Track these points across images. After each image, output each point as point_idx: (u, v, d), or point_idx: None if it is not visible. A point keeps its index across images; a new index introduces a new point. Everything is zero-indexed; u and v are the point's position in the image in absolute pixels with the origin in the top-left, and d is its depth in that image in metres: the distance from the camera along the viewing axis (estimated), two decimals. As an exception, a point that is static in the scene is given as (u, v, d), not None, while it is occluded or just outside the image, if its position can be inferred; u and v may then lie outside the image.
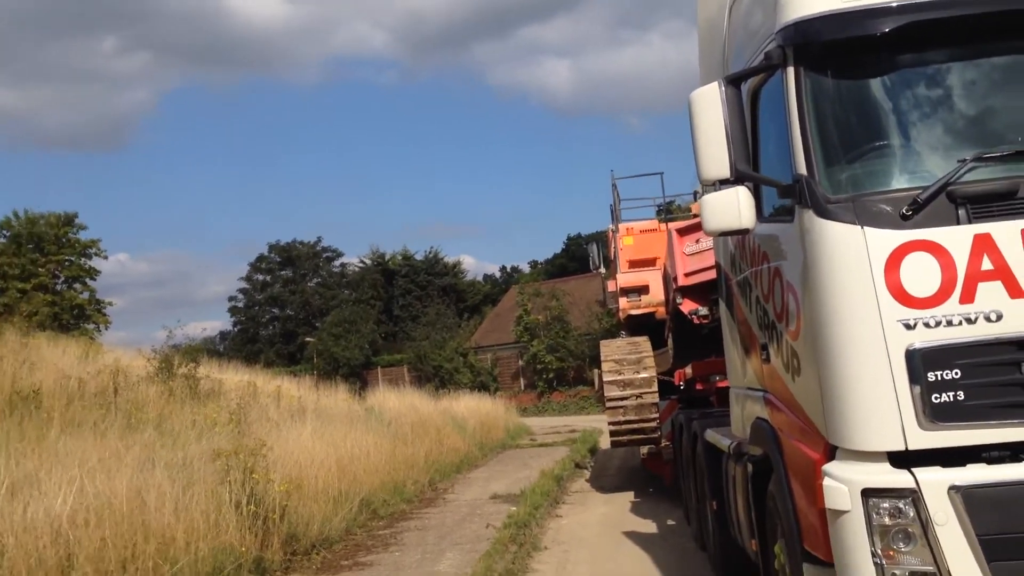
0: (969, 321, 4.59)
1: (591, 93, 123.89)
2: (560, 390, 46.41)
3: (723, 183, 5.27)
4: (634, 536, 11.91)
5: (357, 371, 53.07)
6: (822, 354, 4.87)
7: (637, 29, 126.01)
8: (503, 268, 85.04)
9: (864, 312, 4.68)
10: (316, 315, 67.20)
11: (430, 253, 66.51)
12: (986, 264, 4.59)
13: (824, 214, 4.83)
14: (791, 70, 5.11)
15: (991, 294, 4.58)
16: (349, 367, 53.44)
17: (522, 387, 48.70)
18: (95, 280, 47.56)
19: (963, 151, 4.78)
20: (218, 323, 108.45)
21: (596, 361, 42.54)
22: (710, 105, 5.23)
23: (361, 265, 67.73)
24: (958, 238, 4.63)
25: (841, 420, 4.78)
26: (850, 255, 4.73)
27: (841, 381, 4.77)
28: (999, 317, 4.56)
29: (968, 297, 4.59)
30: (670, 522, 12.50)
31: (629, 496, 15.46)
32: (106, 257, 49.08)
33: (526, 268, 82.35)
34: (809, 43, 5.05)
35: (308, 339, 58.43)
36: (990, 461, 4.60)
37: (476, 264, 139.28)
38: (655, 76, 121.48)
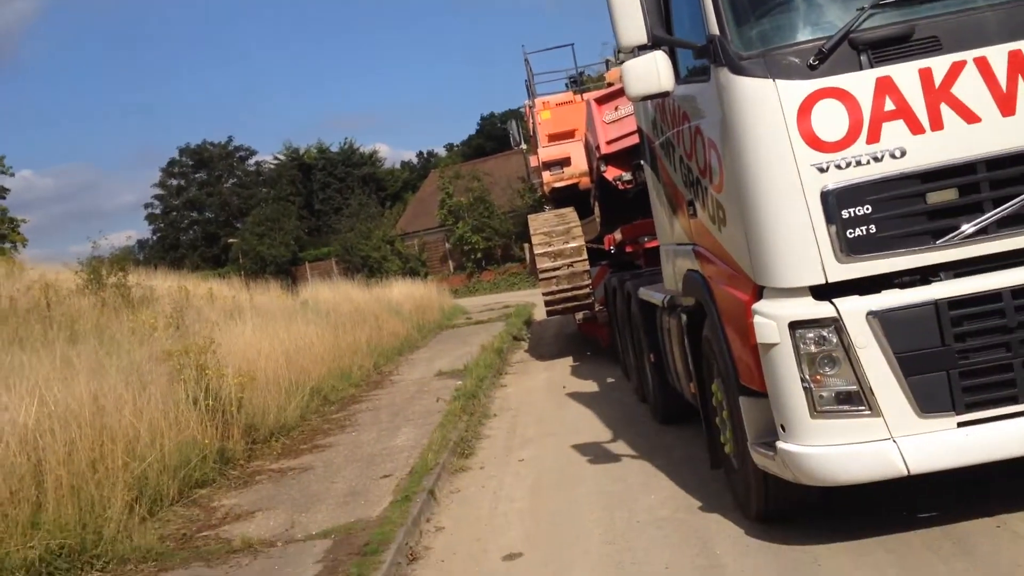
0: (876, 160, 4.97)
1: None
2: (489, 269, 46.92)
3: (641, 49, 5.50)
4: (577, 396, 12.50)
5: (285, 268, 52.83)
6: (745, 203, 5.24)
7: None
8: (420, 153, 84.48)
9: (780, 159, 5.04)
10: (236, 215, 66.33)
11: (345, 144, 65.67)
12: (888, 105, 4.95)
13: (738, 70, 5.12)
14: (699, -69, 5.31)
15: (895, 133, 4.95)
16: (276, 265, 53.17)
17: (452, 270, 49.07)
18: (5, 199, 46.08)
19: (862, 0, 5.08)
20: (135, 232, 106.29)
21: (524, 237, 42.95)
22: None
23: (276, 162, 66.69)
24: (862, 82, 4.97)
25: (766, 261, 5.19)
26: (764, 107, 5.05)
27: (764, 226, 5.15)
28: (903, 153, 4.95)
29: (874, 137, 4.96)
30: (609, 380, 13.11)
31: (568, 361, 16.07)
32: (12, 174, 47.45)
33: (443, 152, 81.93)
34: None
35: (231, 240, 57.82)
36: (902, 286, 5.06)
37: (391, 152, 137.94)
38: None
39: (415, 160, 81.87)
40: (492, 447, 10.21)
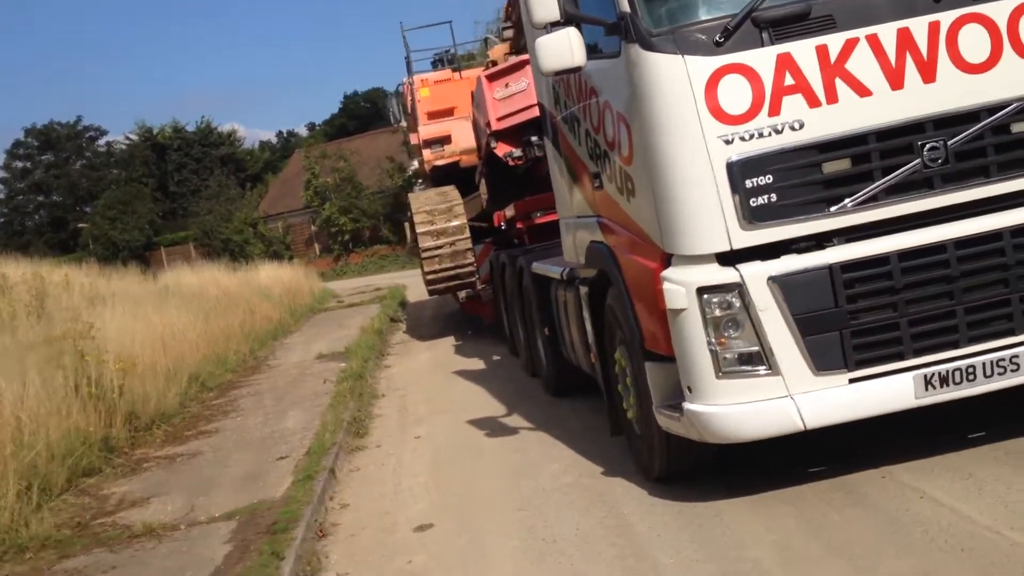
0: (777, 131, 5.23)
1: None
2: (357, 251, 46.45)
3: (553, 25, 5.62)
4: (464, 373, 12.61)
5: (139, 253, 51.00)
6: (654, 174, 5.44)
7: None
8: (279, 133, 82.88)
9: (689, 132, 5.25)
10: (86, 199, 63.60)
11: (202, 124, 63.69)
12: (788, 80, 5.22)
13: (649, 47, 5.31)
14: (603, -90, 5.46)
15: (794, 106, 5.23)
16: (130, 250, 51.28)
17: (318, 252, 48.37)
18: None
19: (764, -21, 5.32)
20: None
21: (393, 218, 42.52)
22: None
23: (128, 142, 64.14)
24: (764, 58, 5.22)
25: (675, 230, 5.40)
26: (674, 82, 5.25)
27: (673, 195, 5.36)
28: (801, 125, 5.23)
29: (775, 110, 5.22)
30: (495, 357, 13.26)
31: (450, 341, 16.16)
32: None
33: (304, 132, 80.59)
34: None
35: (81, 225, 55.46)
36: (799, 251, 5.35)
37: (248, 132, 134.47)
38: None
39: (275, 140, 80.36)
40: (385, 426, 10.23)
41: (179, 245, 51.35)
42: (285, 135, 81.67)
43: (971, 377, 5.39)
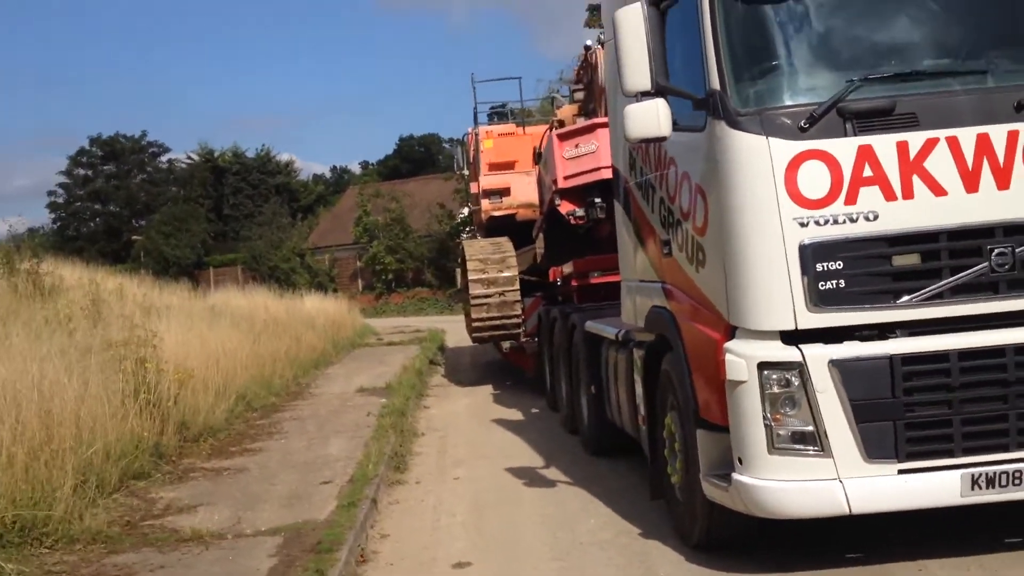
0: (851, 220, 5.43)
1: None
2: (399, 291, 46.85)
3: (643, 95, 5.88)
4: (503, 422, 12.77)
5: (188, 271, 51.74)
6: (728, 247, 5.64)
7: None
8: (334, 168, 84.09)
9: (766, 211, 5.46)
10: (142, 212, 64.80)
11: (262, 151, 64.96)
12: (867, 171, 5.43)
13: (735, 125, 5.54)
14: (706, -5, 5.72)
15: (870, 197, 5.42)
16: (180, 267, 52.10)
17: (360, 288, 48.83)
18: None
19: (852, 72, 5.58)
20: (26, 218, 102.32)
21: (438, 262, 42.91)
22: (634, 23, 5.81)
23: (189, 161, 65.46)
24: (845, 148, 5.43)
25: (742, 304, 5.59)
26: (756, 161, 5.47)
27: (744, 271, 5.55)
28: (876, 217, 5.42)
29: (851, 199, 5.42)
30: (534, 410, 13.42)
31: (488, 389, 16.33)
32: None
33: (357, 169, 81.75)
34: None
35: (136, 237, 56.49)
36: (862, 339, 5.50)
37: (303, 165, 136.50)
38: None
39: (328, 174, 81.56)
40: (425, 464, 10.40)
41: (227, 267, 52.11)
42: (339, 170, 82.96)
43: (1017, 481, 5.48)
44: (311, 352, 20.54)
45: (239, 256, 52.60)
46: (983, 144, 5.41)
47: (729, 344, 5.66)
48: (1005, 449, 5.49)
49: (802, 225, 5.42)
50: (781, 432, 5.52)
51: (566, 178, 11.17)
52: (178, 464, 9.77)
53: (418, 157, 74.85)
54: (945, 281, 5.44)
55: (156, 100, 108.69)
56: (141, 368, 9.87)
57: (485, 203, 16.52)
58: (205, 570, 6.53)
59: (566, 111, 13.38)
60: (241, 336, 17.12)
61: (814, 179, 5.42)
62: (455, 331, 25.24)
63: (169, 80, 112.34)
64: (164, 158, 68.47)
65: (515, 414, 13.39)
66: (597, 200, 10.84)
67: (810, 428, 5.49)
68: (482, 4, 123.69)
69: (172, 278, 34.24)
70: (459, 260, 18.11)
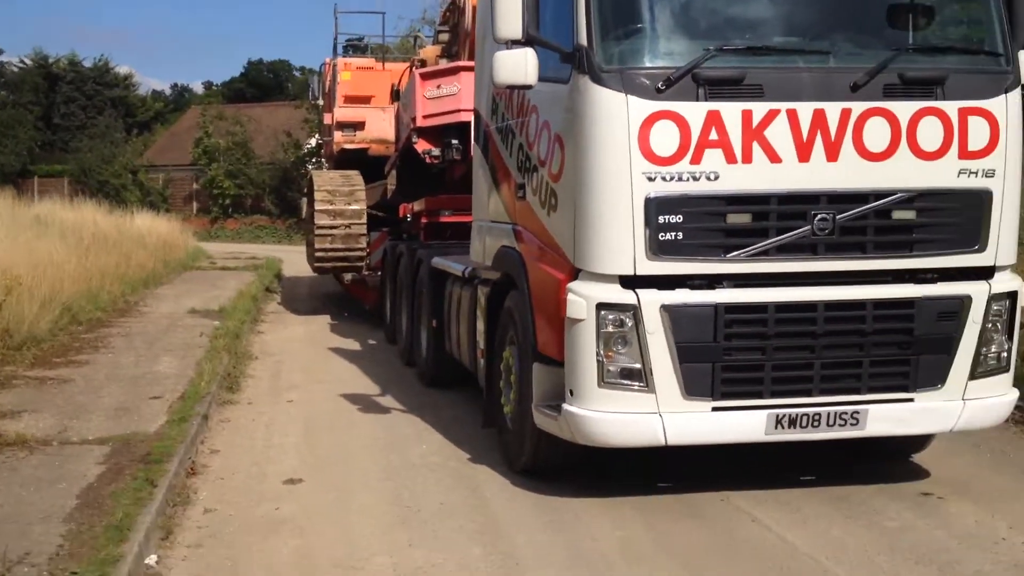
0: (695, 178, 5.82)
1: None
2: (236, 217, 45.50)
3: (514, 43, 6.08)
4: (339, 351, 12.87)
5: (11, 178, 48.82)
6: (579, 195, 5.95)
7: None
8: (174, 85, 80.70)
9: (618, 163, 5.78)
10: (-35, 114, 60.38)
11: (100, 61, 61.52)
12: (713, 135, 5.81)
13: (597, 80, 5.82)
14: (580, -45, 5.94)
15: (713, 158, 5.82)
16: (3, 174, 49.04)
17: (195, 211, 47.27)
18: None
19: (709, 41, 5.92)
20: None
21: (279, 191, 41.96)
22: None
23: (22, 66, 61.32)
24: (696, 112, 5.80)
25: (588, 248, 5.93)
26: (614, 116, 5.77)
27: (592, 217, 5.88)
28: (717, 177, 5.83)
29: (697, 159, 5.80)
30: (371, 342, 13.56)
31: (326, 319, 16.32)
32: None
33: (199, 88, 78.70)
34: None
35: (-47, 138, 52.65)
36: (692, 288, 5.94)
37: (141, 78, 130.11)
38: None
39: (168, 91, 78.23)
40: (258, 386, 10.42)
41: (54, 178, 49.35)
42: (180, 88, 79.62)
43: (816, 424, 6.10)
44: (141, 271, 19.92)
45: (67, 168, 49.80)
46: (818, 119, 5.87)
47: (572, 284, 5.99)
48: (809, 394, 6.08)
49: (650, 180, 5.78)
50: (611, 368, 5.92)
51: (425, 117, 11.26)
52: (-1, 370, 9.48)
53: (266, 83, 72.48)
54: (771, 240, 5.92)
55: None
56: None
57: (338, 135, 16.39)
58: (30, 474, 6.45)
59: (429, 52, 13.41)
60: (69, 249, 16.52)
61: (665, 138, 5.77)
62: (293, 261, 24.97)
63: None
64: (-6, 59, 63.90)
65: (352, 344, 13.50)
66: (454, 142, 10.98)
67: (637, 366, 5.91)
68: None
69: (-6, 185, 32.38)
70: (305, 190, 17.93)
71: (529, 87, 6.20)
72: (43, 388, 9.08)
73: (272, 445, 8.00)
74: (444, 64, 11.97)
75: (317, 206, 14.93)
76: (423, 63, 12.95)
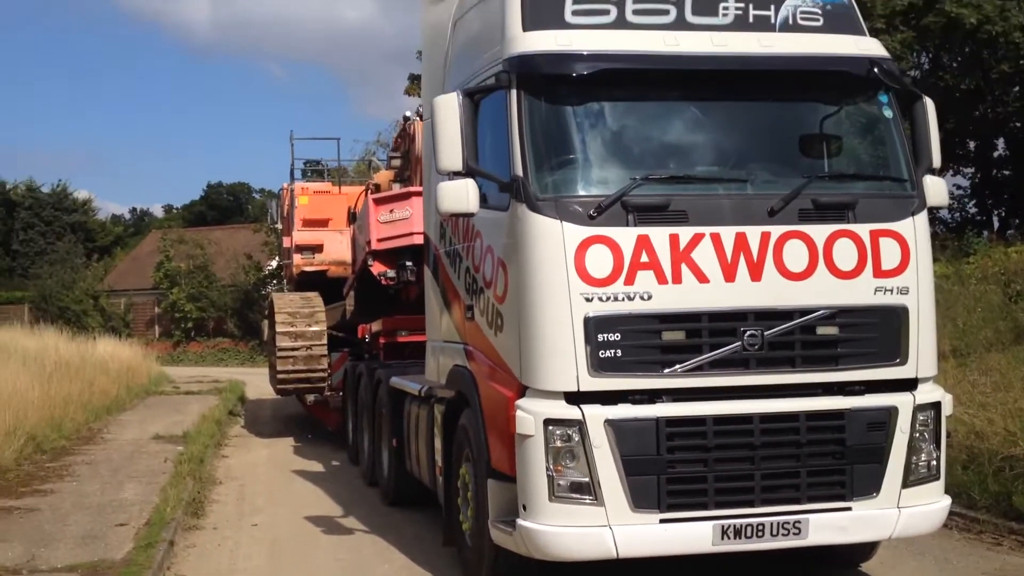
0: (629, 298, 6.22)
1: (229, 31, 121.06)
2: (199, 340, 45.52)
3: (455, 174, 6.53)
4: (303, 473, 13.01)
5: (-32, 306, 48.71)
6: (522, 316, 6.33)
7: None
8: (133, 210, 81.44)
9: (557, 286, 6.18)
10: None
11: (58, 186, 62.15)
12: (644, 257, 6.24)
13: (534, 208, 6.27)
14: (514, 92, 6.46)
15: (646, 279, 6.23)
16: (-41, 302, 48.91)
17: (157, 335, 47.24)
18: None
19: (637, 170, 6.43)
20: None
21: (241, 313, 41.98)
22: (450, 110, 6.47)
23: (-22, 193, 61.79)
24: (627, 236, 6.24)
25: (533, 366, 6.28)
26: (550, 242, 6.20)
27: (536, 337, 6.25)
28: (650, 297, 6.23)
29: (630, 280, 6.21)
30: (335, 463, 13.71)
31: (289, 441, 16.44)
32: None
33: (159, 212, 79.41)
34: (529, 73, 6.45)
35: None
36: (634, 402, 6.27)
37: (100, 203, 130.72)
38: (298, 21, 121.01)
39: (128, 215, 78.84)
40: (223, 511, 10.54)
41: (13, 305, 49.26)
42: (139, 212, 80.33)
43: (760, 534, 6.34)
44: (104, 397, 19.95)
45: (27, 294, 49.79)
46: (740, 241, 6.33)
47: (520, 402, 6.32)
48: (751, 504, 6.34)
49: (587, 300, 6.18)
50: (561, 482, 6.20)
51: (380, 240, 11.71)
52: (-37, 503, 9.54)
53: (226, 205, 73.48)
54: (704, 356, 6.30)
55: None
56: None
57: (297, 258, 16.82)
58: (-1, 606, 6.56)
59: (383, 176, 13.98)
60: (32, 377, 16.61)
61: (599, 261, 6.19)
62: (256, 383, 25.06)
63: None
64: (-51, 186, 64.29)
65: (316, 466, 13.63)
66: (408, 263, 11.41)
67: (586, 479, 6.19)
68: (298, 58, 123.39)
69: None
70: (267, 312, 18.22)
71: (471, 215, 6.64)
72: (9, 518, 9.17)
73: (237, 569, 8.13)
74: (397, 189, 12.51)
75: (278, 328, 15.23)
76: (377, 187, 13.49)
